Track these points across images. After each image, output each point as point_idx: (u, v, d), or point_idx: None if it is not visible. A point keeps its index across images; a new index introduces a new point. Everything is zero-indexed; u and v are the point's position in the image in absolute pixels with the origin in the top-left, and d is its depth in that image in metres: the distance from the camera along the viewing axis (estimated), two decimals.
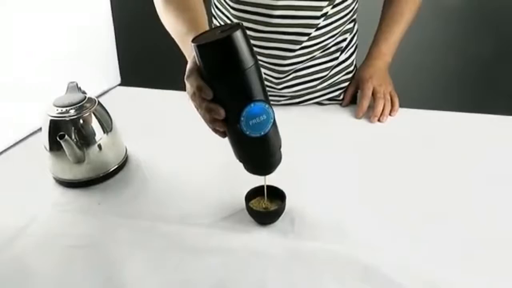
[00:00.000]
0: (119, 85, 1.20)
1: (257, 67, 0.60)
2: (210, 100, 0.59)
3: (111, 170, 0.85)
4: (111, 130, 0.85)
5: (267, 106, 0.60)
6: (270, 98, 1.03)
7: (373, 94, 0.98)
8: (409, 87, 1.31)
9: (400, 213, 0.74)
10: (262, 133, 0.60)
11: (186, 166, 0.87)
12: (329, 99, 1.08)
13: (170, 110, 1.03)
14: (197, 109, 0.63)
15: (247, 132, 0.60)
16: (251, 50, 0.59)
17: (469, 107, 1.00)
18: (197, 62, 0.60)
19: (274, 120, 0.62)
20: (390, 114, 0.98)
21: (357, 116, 0.98)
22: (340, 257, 0.67)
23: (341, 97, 1.08)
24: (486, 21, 1.63)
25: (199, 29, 0.71)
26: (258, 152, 0.64)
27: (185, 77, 0.62)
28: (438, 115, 1.00)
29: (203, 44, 0.57)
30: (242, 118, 0.58)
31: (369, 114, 0.98)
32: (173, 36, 0.78)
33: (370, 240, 0.70)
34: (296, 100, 1.06)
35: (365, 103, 0.98)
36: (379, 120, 0.97)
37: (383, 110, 0.97)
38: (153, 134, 0.97)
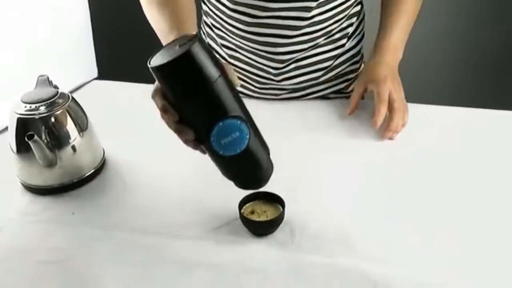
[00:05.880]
0: (96, 78, 1.19)
1: (224, 79, 0.60)
2: (178, 120, 0.61)
3: (87, 175, 0.85)
4: (86, 129, 0.85)
5: (239, 122, 0.60)
6: (269, 91, 1.05)
7: (389, 101, 0.91)
8: (417, 81, 1.31)
9: (411, 223, 0.74)
10: (239, 151, 0.61)
11: (172, 170, 0.86)
12: (334, 92, 1.08)
13: (154, 107, 1.01)
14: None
15: (221, 152, 0.61)
16: (215, 62, 0.59)
17: (484, 102, 1.00)
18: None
19: (253, 133, 0.62)
20: None
21: (373, 126, 0.90)
22: (345, 271, 0.67)
23: (348, 89, 1.08)
24: (497, 10, 1.64)
25: (181, 26, 0.72)
26: (242, 169, 0.65)
27: (151, 96, 0.63)
28: (452, 111, 1.00)
29: (157, 67, 0.58)
30: (212, 138, 0.60)
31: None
32: (157, 33, 0.78)
33: (379, 253, 0.69)
34: (297, 94, 1.06)
35: (383, 109, 0.90)
36: (390, 138, 0.90)
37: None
38: (134, 134, 0.96)
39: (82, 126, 0.84)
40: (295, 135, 0.92)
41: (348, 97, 1.05)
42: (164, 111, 0.61)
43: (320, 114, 1.01)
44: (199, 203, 0.79)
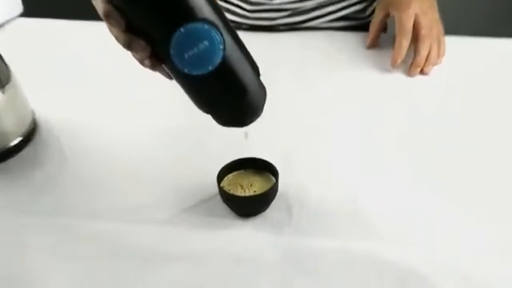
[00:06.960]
0: (21, 15, 1.11)
1: None
2: (127, 30, 0.53)
3: (12, 145, 0.76)
4: (8, 83, 0.75)
5: (207, 27, 0.50)
6: (262, 14, 0.95)
7: (415, 28, 0.83)
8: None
9: (430, 197, 0.67)
10: (211, 68, 0.52)
11: (125, 132, 0.79)
12: (345, 18, 0.97)
13: (99, 50, 0.92)
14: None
15: (186, 70, 0.52)
16: None
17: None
18: None
19: (231, 43, 0.53)
20: None
21: (392, 65, 0.83)
22: (357, 257, 0.60)
23: (366, 13, 0.97)
24: None
25: None
26: (219, 94, 0.55)
27: None
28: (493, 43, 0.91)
29: None
30: (172, 52, 0.51)
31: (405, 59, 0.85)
32: None
33: (398, 232, 0.63)
34: (298, 18, 0.95)
35: (405, 42, 0.82)
36: (421, 72, 0.83)
37: (428, 55, 0.83)
38: (75, 88, 0.88)
39: (3, 79, 0.74)
40: (292, 81, 0.84)
41: (363, 26, 0.94)
42: (107, 16, 0.52)
43: (327, 51, 0.91)
44: (164, 176, 0.71)
